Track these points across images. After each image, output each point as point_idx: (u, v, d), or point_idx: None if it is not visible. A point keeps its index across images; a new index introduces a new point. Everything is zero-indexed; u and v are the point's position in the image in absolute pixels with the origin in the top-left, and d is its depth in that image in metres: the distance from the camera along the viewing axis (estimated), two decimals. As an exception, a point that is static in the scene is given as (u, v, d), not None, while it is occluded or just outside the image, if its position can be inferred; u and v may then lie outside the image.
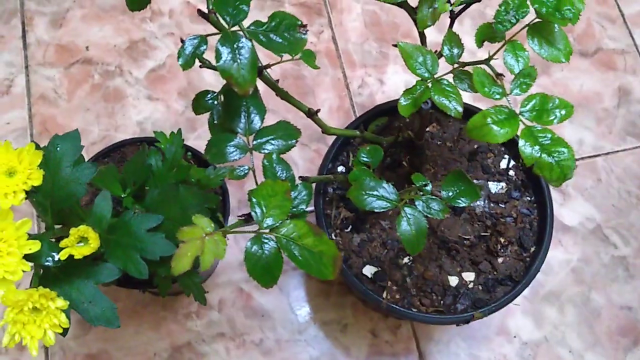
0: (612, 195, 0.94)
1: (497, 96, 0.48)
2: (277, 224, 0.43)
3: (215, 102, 0.53)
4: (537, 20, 0.50)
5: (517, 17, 0.48)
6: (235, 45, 0.43)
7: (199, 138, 0.94)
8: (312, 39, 1.02)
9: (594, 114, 0.99)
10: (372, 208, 0.49)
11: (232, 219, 0.86)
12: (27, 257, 0.43)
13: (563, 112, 0.47)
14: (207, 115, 0.57)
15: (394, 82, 1.00)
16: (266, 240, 0.43)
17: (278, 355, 0.84)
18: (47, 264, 0.45)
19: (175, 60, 0.97)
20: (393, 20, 1.03)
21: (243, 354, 0.84)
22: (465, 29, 1.02)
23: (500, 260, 0.70)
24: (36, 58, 0.98)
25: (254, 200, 0.43)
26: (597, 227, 0.92)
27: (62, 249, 0.45)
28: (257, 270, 0.42)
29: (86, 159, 0.82)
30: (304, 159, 0.94)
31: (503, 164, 0.74)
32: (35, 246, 0.43)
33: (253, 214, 0.43)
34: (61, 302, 0.42)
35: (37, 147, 0.48)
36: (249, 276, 0.43)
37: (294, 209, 0.48)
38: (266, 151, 0.50)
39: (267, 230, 0.43)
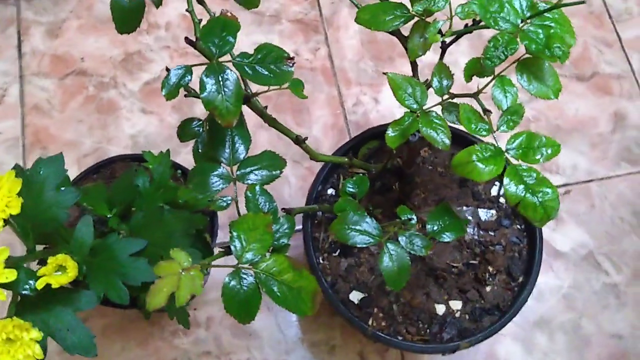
0: (605, 221, 0.94)
1: (484, 133, 0.48)
2: (257, 259, 0.43)
3: (201, 130, 0.53)
4: (527, 55, 0.50)
5: (506, 53, 0.47)
6: (220, 77, 0.43)
7: (190, 153, 0.93)
8: (309, 55, 1.02)
9: (588, 139, 0.99)
10: (354, 243, 0.49)
11: (222, 235, 0.86)
12: (3, 285, 0.42)
13: (549, 150, 0.47)
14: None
15: (389, 102, 1.00)
16: (245, 276, 0.42)
17: (264, 376, 0.84)
18: (24, 292, 0.45)
19: (170, 74, 0.97)
20: (390, 38, 1.02)
21: (229, 373, 0.84)
22: (462, 48, 1.02)
23: (488, 289, 0.70)
24: (31, 68, 0.98)
25: (234, 233, 0.43)
26: (589, 254, 0.92)
27: (40, 277, 0.44)
28: (233, 306, 0.42)
29: (77, 172, 0.82)
30: (297, 177, 0.94)
31: (494, 191, 0.74)
32: (11, 275, 0.42)
33: (232, 247, 0.42)
34: (35, 334, 0.42)
35: (19, 171, 0.48)
36: (225, 312, 0.42)
37: (275, 243, 0.47)
38: (250, 182, 0.50)
39: (247, 265, 0.43)
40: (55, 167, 0.50)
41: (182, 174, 0.77)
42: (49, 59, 0.99)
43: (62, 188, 0.51)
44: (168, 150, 0.65)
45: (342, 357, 0.85)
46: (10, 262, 0.44)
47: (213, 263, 0.44)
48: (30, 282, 0.45)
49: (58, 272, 0.45)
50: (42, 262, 0.49)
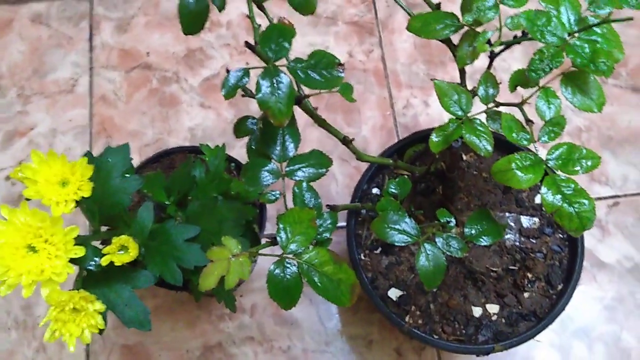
0: (653, 235, 0.93)
1: (525, 142, 0.49)
2: (300, 250, 0.46)
3: (255, 128, 0.56)
4: (572, 69, 0.51)
5: (551, 66, 0.49)
6: (274, 80, 0.46)
7: (244, 147, 0.98)
8: (362, 57, 1.05)
9: (641, 151, 0.97)
10: (393, 241, 0.51)
11: (269, 227, 0.90)
12: (72, 260, 0.47)
13: (589, 162, 0.48)
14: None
15: (439, 105, 1.00)
16: (288, 265, 0.45)
17: (303, 364, 0.87)
18: (90, 267, 0.50)
19: (228, 71, 1.02)
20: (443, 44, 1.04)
21: (270, 359, 0.87)
22: (515, 55, 1.02)
23: (526, 295, 0.71)
24: (100, 60, 1.05)
25: (280, 225, 0.46)
26: (635, 267, 0.91)
27: (105, 254, 0.49)
28: (277, 293, 0.45)
29: (139, 161, 0.87)
30: (344, 175, 0.97)
31: (538, 199, 0.75)
32: (80, 251, 0.47)
33: (278, 238, 0.46)
34: (99, 305, 0.46)
35: (90, 158, 0.52)
36: (270, 297, 0.45)
37: (318, 236, 0.51)
38: (297, 178, 0.53)
39: (291, 255, 0.46)
40: (121, 155, 0.55)
41: (236, 167, 0.81)
42: (117, 53, 1.05)
43: (127, 175, 0.56)
44: (224, 145, 0.69)
45: (379, 352, 0.88)
46: (79, 240, 0.49)
47: (260, 252, 0.47)
48: (96, 259, 0.50)
49: (121, 251, 0.49)
50: (105, 242, 0.54)
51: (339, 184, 0.97)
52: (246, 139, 0.90)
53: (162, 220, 0.59)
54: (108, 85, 1.03)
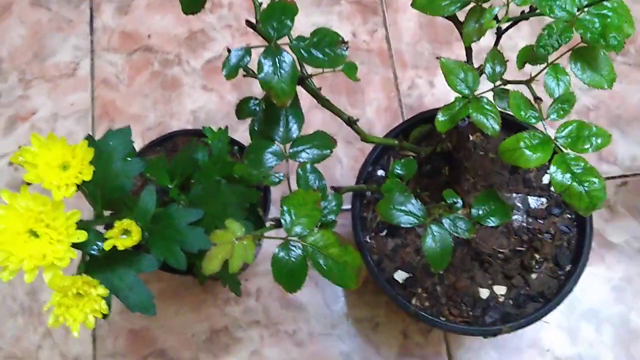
0: (662, 215, 0.92)
1: (533, 120, 0.48)
2: (305, 233, 0.45)
3: (258, 109, 0.55)
4: (582, 44, 0.49)
5: (560, 41, 0.47)
6: (277, 59, 0.45)
7: (248, 130, 0.97)
8: (366, 37, 1.03)
9: (651, 130, 0.96)
10: (399, 223, 0.50)
11: (274, 210, 0.89)
12: (74, 245, 0.46)
13: (599, 140, 0.47)
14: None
15: (444, 85, 0.97)
16: (293, 248, 0.45)
17: (310, 347, 0.87)
18: (92, 252, 0.49)
19: (230, 53, 1.00)
20: (448, 22, 1.02)
21: (276, 343, 0.87)
22: (522, 33, 1.01)
23: (534, 276, 0.70)
24: (101, 43, 1.03)
25: (284, 208, 0.45)
26: (644, 247, 0.90)
27: (107, 239, 0.48)
28: (282, 276, 0.45)
29: (141, 144, 0.87)
30: (349, 157, 0.96)
31: (545, 179, 0.74)
32: (82, 236, 0.46)
33: (282, 221, 0.45)
34: (102, 290, 0.46)
35: (91, 142, 0.52)
36: (274, 280, 0.45)
37: (323, 219, 0.50)
38: (301, 160, 0.52)
39: (295, 238, 0.45)
40: (123, 138, 0.54)
41: (239, 150, 0.81)
42: (118, 35, 1.04)
43: (129, 159, 0.55)
44: (226, 127, 0.68)
45: (386, 334, 0.87)
46: (81, 225, 0.48)
47: (265, 235, 0.46)
48: (98, 243, 0.49)
49: (123, 235, 0.49)
50: (108, 226, 0.54)
51: (343, 166, 0.96)
52: (249, 121, 0.89)
53: (165, 204, 0.58)
54: (110, 68, 1.02)
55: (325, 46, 0.46)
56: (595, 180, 0.45)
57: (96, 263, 0.50)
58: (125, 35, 1.04)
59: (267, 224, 0.54)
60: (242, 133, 0.95)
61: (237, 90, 1.00)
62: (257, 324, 0.88)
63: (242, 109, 0.57)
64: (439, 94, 1.00)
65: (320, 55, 0.46)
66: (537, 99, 0.49)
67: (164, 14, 1.05)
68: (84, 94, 1.00)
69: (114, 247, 0.48)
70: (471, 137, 0.74)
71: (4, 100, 1.00)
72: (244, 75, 0.55)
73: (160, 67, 1.02)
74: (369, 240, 0.72)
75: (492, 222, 0.53)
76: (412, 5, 0.56)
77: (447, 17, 0.59)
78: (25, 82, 1.01)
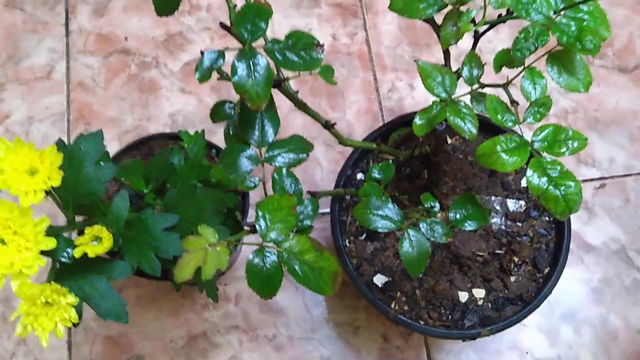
0: (639, 217, 0.92)
1: (510, 124, 0.48)
2: (281, 239, 0.44)
3: (233, 112, 0.54)
4: (558, 48, 0.49)
5: (536, 45, 0.47)
6: (251, 62, 0.45)
7: (227, 133, 0.96)
8: (346, 40, 1.03)
9: (628, 132, 0.97)
10: (376, 228, 0.50)
11: (252, 214, 0.88)
12: (43, 252, 0.45)
13: (576, 144, 0.47)
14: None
15: (424, 88, 1.00)
16: (268, 254, 0.44)
17: (290, 352, 0.86)
18: (62, 259, 0.48)
19: (209, 55, 0.99)
20: (428, 25, 1.03)
21: (255, 348, 0.86)
22: (501, 37, 1.01)
23: (512, 279, 0.70)
24: (77, 46, 1.02)
25: (259, 213, 0.45)
26: (621, 249, 0.91)
27: (77, 246, 0.47)
28: (256, 282, 0.44)
29: (118, 148, 0.85)
30: (329, 160, 0.95)
31: (524, 182, 0.74)
32: (51, 243, 0.45)
33: (257, 227, 0.44)
34: (72, 299, 0.45)
35: (62, 146, 0.50)
36: (248, 287, 0.44)
37: (299, 224, 0.49)
38: (277, 164, 0.52)
39: (270, 244, 0.44)
40: (95, 143, 0.53)
41: (217, 154, 0.80)
42: (94, 38, 1.02)
43: (102, 163, 0.54)
44: (203, 131, 0.67)
45: (366, 338, 0.87)
46: (51, 231, 0.47)
47: (241, 240, 0.46)
48: (69, 250, 0.48)
49: (94, 242, 0.48)
50: (82, 233, 0.53)
51: (323, 169, 0.95)
52: (226, 125, 0.87)
53: (140, 209, 0.57)
54: (86, 71, 1.00)
55: (301, 49, 0.45)
56: (572, 183, 0.45)
57: (67, 270, 0.49)
58: (102, 38, 1.02)
59: (245, 229, 0.54)
60: (220, 136, 0.94)
61: (216, 93, 0.99)
62: (236, 328, 0.87)
63: (217, 112, 0.56)
64: (418, 96, 1.00)
65: (296, 58, 0.45)
66: (514, 102, 0.49)
67: (141, 16, 1.04)
68: (60, 97, 0.99)
69: (85, 254, 0.47)
70: (450, 141, 0.74)
71: (-23, 103, 0.98)
72: (218, 79, 0.55)
73: (137, 70, 1.00)
74: (348, 244, 0.72)
75: (469, 226, 0.53)
76: (390, 7, 0.56)
77: (424, 20, 0.58)
78: (-1, 85, 0.99)
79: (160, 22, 1.03)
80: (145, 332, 0.87)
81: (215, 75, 1.04)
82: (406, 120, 0.75)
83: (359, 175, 0.75)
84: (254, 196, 0.86)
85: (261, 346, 0.86)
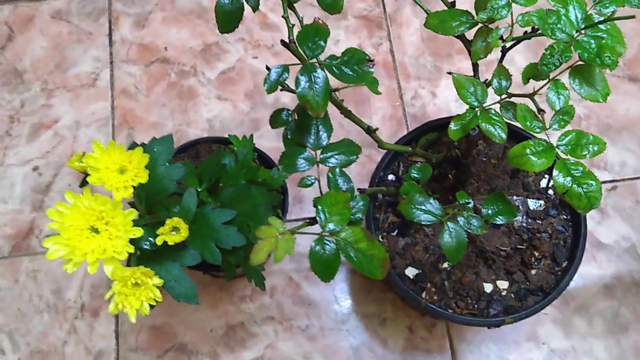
0: (649, 217, 0.98)
1: (537, 130, 0.55)
2: (337, 229, 0.51)
3: (290, 119, 0.61)
4: (580, 62, 0.56)
5: (561, 60, 0.53)
6: (312, 75, 0.51)
7: (261, 137, 1.03)
8: (371, 50, 1.09)
9: (638, 138, 1.03)
10: (420, 221, 0.56)
11: (291, 211, 0.95)
12: (130, 240, 0.52)
13: (596, 147, 0.53)
14: (267, 115, 0.66)
15: (445, 95, 1.06)
16: (327, 242, 0.51)
17: (321, 341, 0.93)
18: (145, 247, 0.55)
19: (243, 64, 1.06)
20: (450, 36, 1.09)
21: (289, 337, 0.93)
22: (517, 47, 1.07)
23: (533, 272, 0.76)
24: (120, 55, 1.09)
25: (319, 207, 0.51)
26: (632, 247, 0.97)
27: (158, 235, 0.54)
28: (318, 267, 0.50)
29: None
30: (356, 163, 1.01)
31: (543, 183, 0.80)
32: (138, 232, 0.52)
33: (318, 219, 0.51)
34: (157, 280, 0.51)
35: (144, 150, 0.57)
36: (311, 270, 0.51)
37: (352, 217, 0.56)
38: (330, 164, 0.58)
39: (328, 234, 0.51)
40: (166, 145, 0.60)
41: (258, 156, 0.86)
42: (136, 48, 1.09)
43: (169, 164, 0.60)
44: (251, 135, 0.74)
45: (393, 329, 0.93)
46: (135, 223, 0.53)
47: (301, 230, 0.52)
48: (150, 239, 0.55)
49: (173, 232, 0.54)
50: (148, 225, 0.59)
51: (351, 172, 1.00)
52: (262, 130, 0.95)
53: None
54: (128, 79, 1.07)
55: (354, 64, 0.52)
56: (593, 182, 0.52)
57: (146, 257, 0.56)
58: (143, 48, 1.09)
59: (287, 225, 0.60)
60: (256, 140, 1.01)
61: (249, 100, 1.05)
62: (272, 319, 0.94)
63: (275, 119, 0.62)
64: (440, 103, 1.06)
65: (350, 72, 0.52)
66: (541, 110, 0.56)
67: (179, 27, 1.11)
68: (104, 103, 1.05)
69: (164, 242, 0.54)
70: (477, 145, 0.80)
71: (28, 109, 1.05)
72: (281, 90, 0.61)
73: (176, 78, 1.07)
74: (381, 240, 0.78)
75: (500, 220, 0.59)
76: (425, 25, 0.63)
77: (456, 36, 0.65)
78: (48, 92, 1.06)
79: (198, 33, 1.10)
80: (187, 323, 0.93)
81: (247, 85, 1.09)
82: (434, 125, 0.81)
83: (390, 177, 0.82)
84: (290, 197, 0.93)
85: (295, 336, 0.93)
